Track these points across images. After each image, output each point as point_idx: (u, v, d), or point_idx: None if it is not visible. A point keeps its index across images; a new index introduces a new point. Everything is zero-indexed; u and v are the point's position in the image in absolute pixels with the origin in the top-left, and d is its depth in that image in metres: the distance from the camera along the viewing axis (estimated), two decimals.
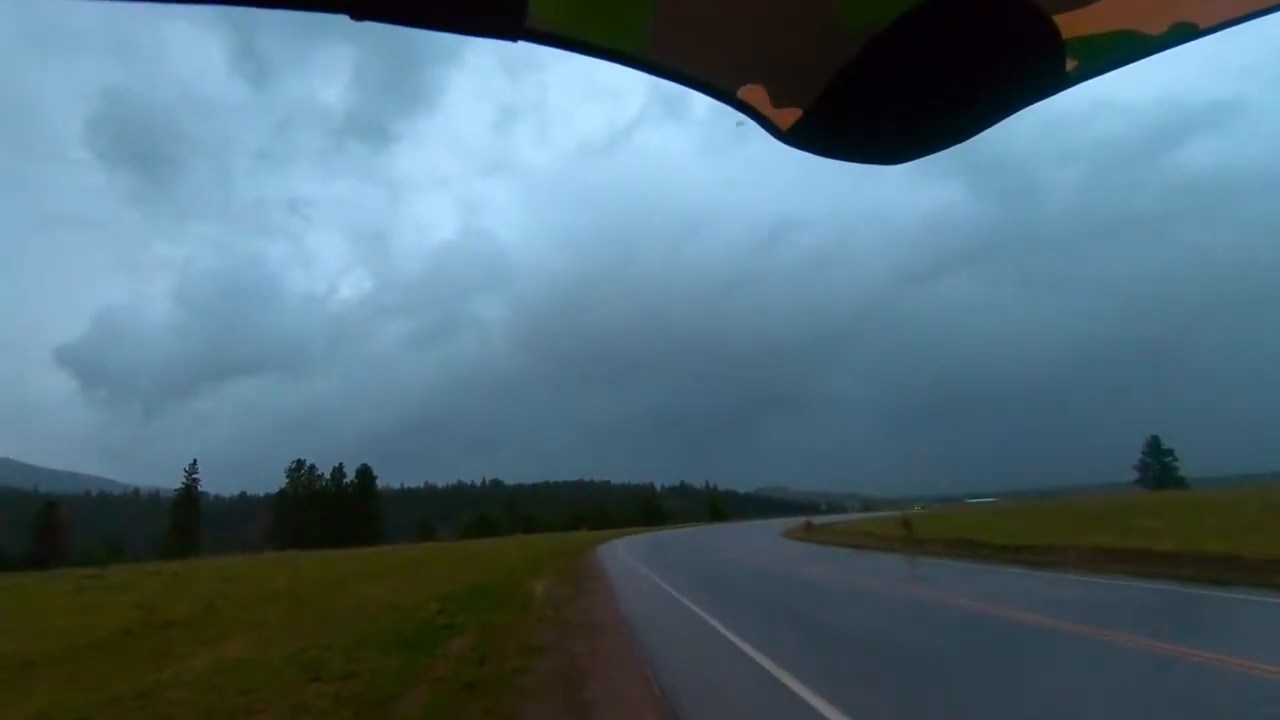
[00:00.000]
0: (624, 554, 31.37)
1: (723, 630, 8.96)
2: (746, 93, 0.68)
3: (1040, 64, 0.65)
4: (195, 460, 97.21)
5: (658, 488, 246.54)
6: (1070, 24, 0.61)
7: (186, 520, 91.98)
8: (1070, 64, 0.65)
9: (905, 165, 0.77)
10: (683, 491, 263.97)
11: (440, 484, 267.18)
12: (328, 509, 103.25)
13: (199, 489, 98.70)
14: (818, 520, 51.58)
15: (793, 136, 0.72)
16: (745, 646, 7.78)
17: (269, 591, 21.26)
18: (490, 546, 48.63)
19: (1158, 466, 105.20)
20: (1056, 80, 0.67)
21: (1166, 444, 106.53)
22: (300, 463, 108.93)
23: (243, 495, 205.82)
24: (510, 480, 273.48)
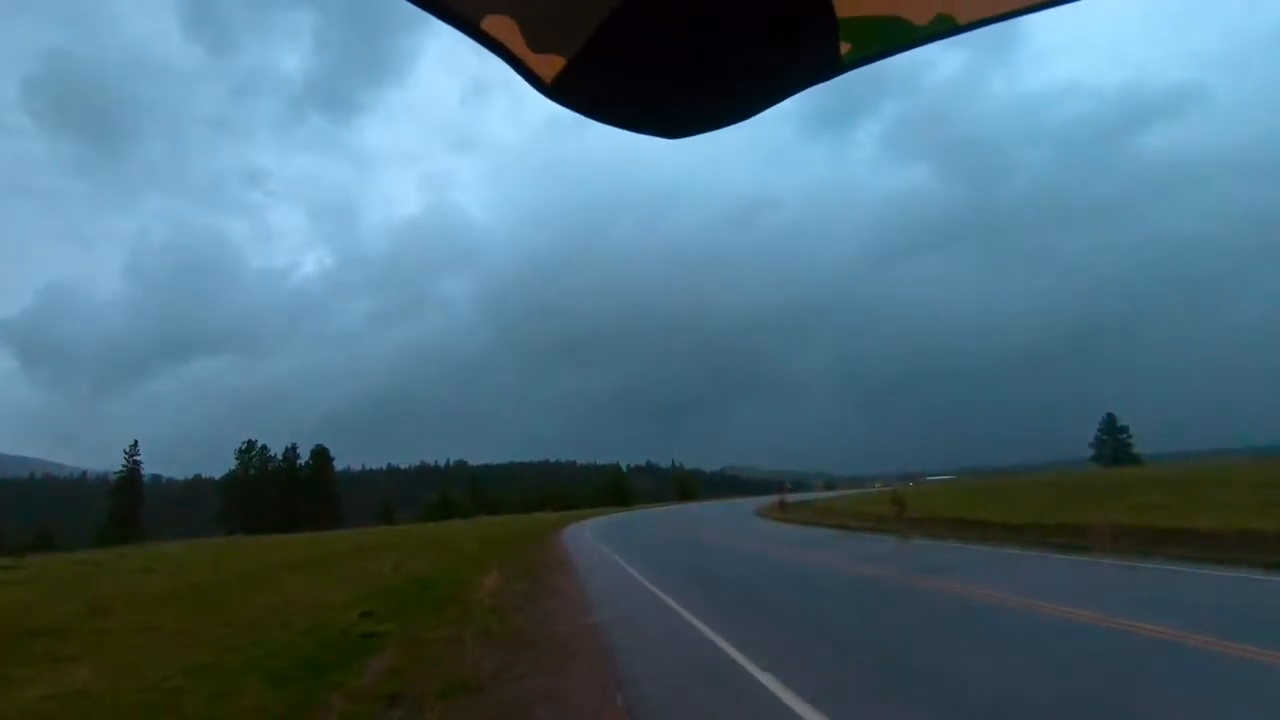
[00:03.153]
0: (592, 538, 28.96)
1: (734, 654, 6.47)
2: (494, 25, 0.57)
3: (816, 41, 0.63)
4: (136, 441, 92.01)
5: (624, 468, 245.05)
6: (844, 3, 0.60)
7: (127, 505, 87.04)
8: (845, 47, 0.64)
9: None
10: (649, 471, 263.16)
11: (404, 465, 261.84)
12: (280, 491, 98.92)
13: (145, 472, 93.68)
14: (790, 499, 50.05)
15: (555, 89, 0.64)
16: (768, 681, 5.50)
17: (181, 587, 18.51)
18: (448, 530, 46.00)
19: (1113, 444, 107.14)
20: (831, 64, 0.65)
21: (1121, 422, 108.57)
22: (250, 443, 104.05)
23: (197, 478, 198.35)
24: (475, 461, 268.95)
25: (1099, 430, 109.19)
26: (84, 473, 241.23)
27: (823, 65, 0.65)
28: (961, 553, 14.41)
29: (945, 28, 0.62)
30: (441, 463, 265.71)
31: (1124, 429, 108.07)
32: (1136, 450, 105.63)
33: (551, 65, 0.62)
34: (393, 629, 9.79)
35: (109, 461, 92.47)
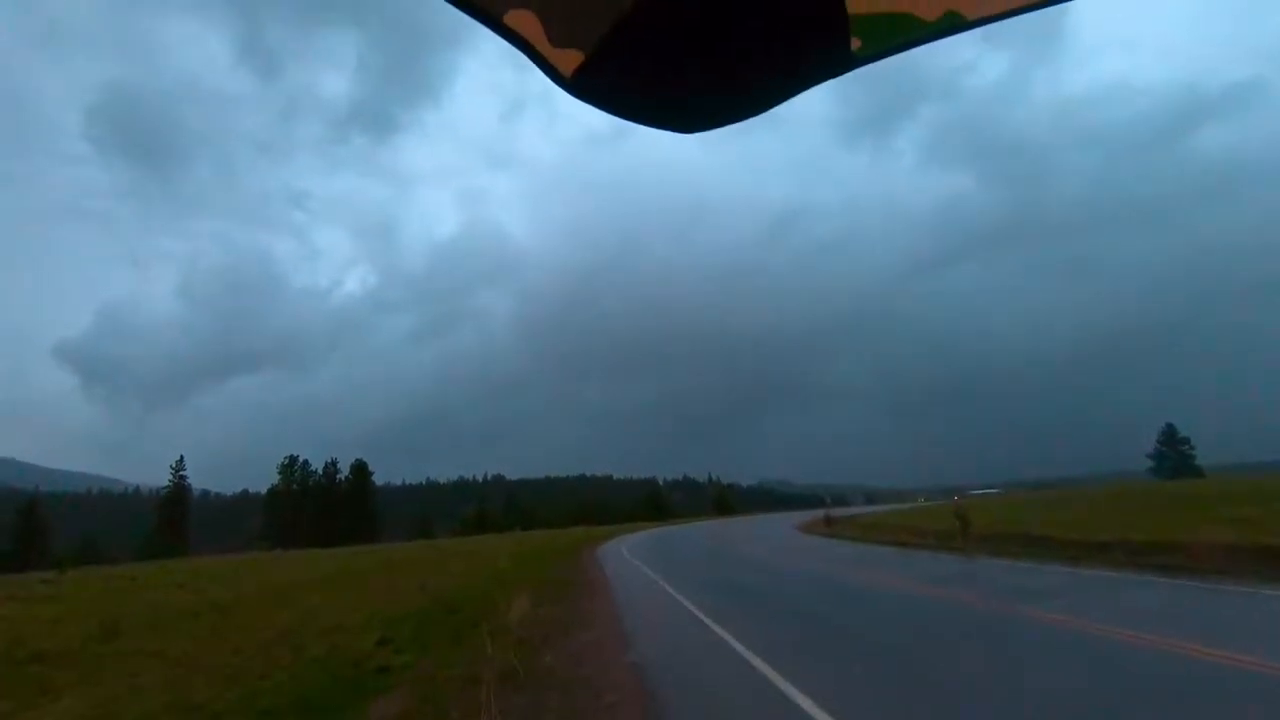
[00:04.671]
0: (629, 555, 27.59)
1: (814, 712, 5.26)
2: (516, 19, 0.60)
3: (827, 37, 0.64)
4: (182, 457, 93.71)
5: (660, 482, 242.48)
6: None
7: (174, 519, 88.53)
8: (856, 43, 0.65)
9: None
10: (686, 485, 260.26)
11: (442, 479, 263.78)
12: (320, 506, 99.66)
13: (194, 487, 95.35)
14: (835, 514, 47.97)
15: (576, 84, 0.65)
16: None
17: (203, 605, 17.78)
18: (482, 545, 45.12)
19: (1174, 455, 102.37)
20: (842, 59, 0.66)
21: (1182, 432, 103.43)
22: (293, 459, 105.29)
23: (244, 493, 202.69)
24: (512, 475, 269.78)
25: (1158, 441, 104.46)
26: (137, 487, 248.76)
27: (835, 61, 0.66)
28: (1048, 575, 12.75)
29: (954, 24, 0.63)
30: (479, 477, 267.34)
31: (1185, 440, 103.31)
32: (1199, 462, 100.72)
33: (571, 60, 0.63)
34: (409, 661, 8.70)
35: (161, 476, 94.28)
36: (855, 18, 0.62)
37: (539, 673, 6.95)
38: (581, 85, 0.65)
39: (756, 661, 7.00)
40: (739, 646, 7.85)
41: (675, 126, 0.71)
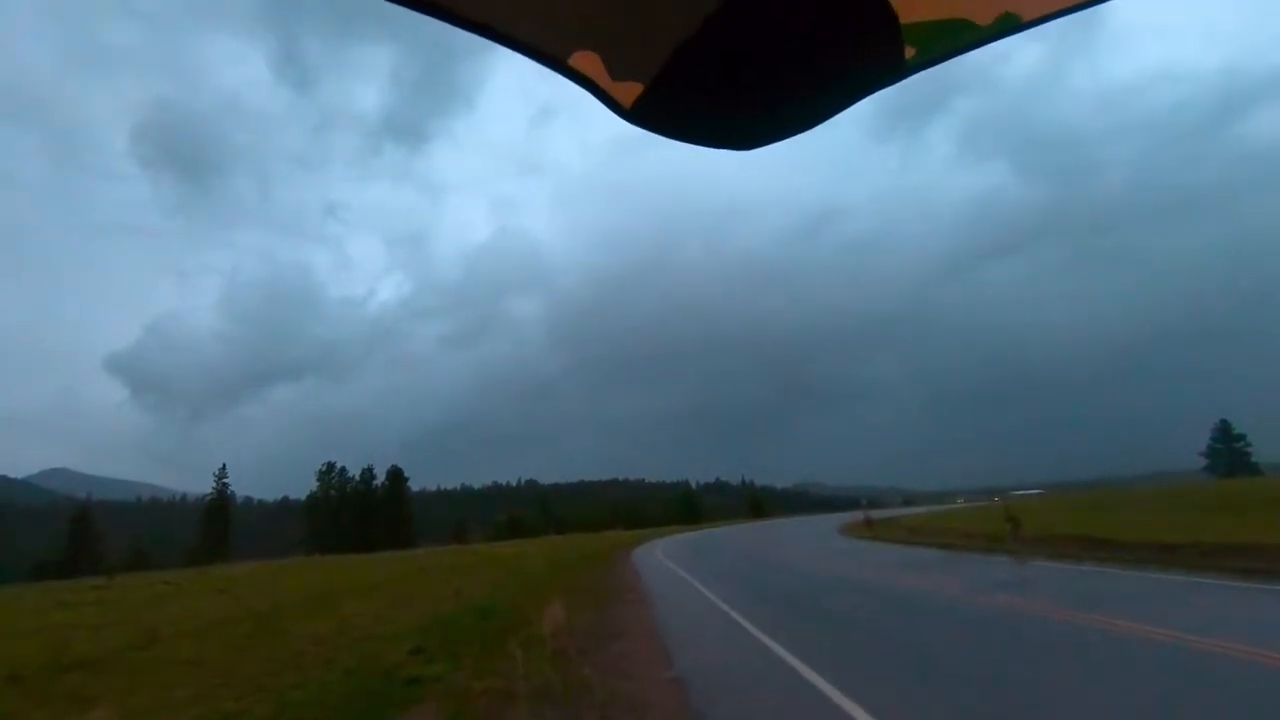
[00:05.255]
0: (665, 560, 27.05)
1: None
2: (580, 61, 0.62)
3: (880, 48, 0.64)
4: (224, 465, 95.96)
5: (693, 485, 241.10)
6: (907, 9, 0.62)
7: (216, 526, 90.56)
8: (909, 52, 0.65)
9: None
10: (719, 488, 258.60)
11: (476, 485, 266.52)
12: (358, 512, 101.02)
13: (236, 494, 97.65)
14: (875, 516, 46.80)
15: (635, 113, 0.68)
16: None
17: (241, 612, 17.81)
18: (516, 551, 45.03)
19: (1229, 453, 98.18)
20: (896, 68, 0.66)
21: (1237, 428, 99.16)
22: (330, 465, 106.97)
23: (285, 500, 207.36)
24: (545, 480, 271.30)
25: (1212, 438, 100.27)
26: (184, 495, 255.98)
27: (887, 70, 0.66)
28: (1115, 579, 11.97)
29: (1010, 25, 0.62)
30: (513, 482, 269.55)
31: (1240, 436, 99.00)
32: (1255, 459, 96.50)
33: (631, 91, 0.65)
34: (441, 672, 8.39)
35: (207, 484, 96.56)
36: (908, 26, 0.62)
37: (576, 688, 6.53)
38: (641, 114, 0.67)
39: (808, 673, 6.48)
40: (788, 657, 7.32)
41: (733, 145, 0.72)
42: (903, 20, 0.61)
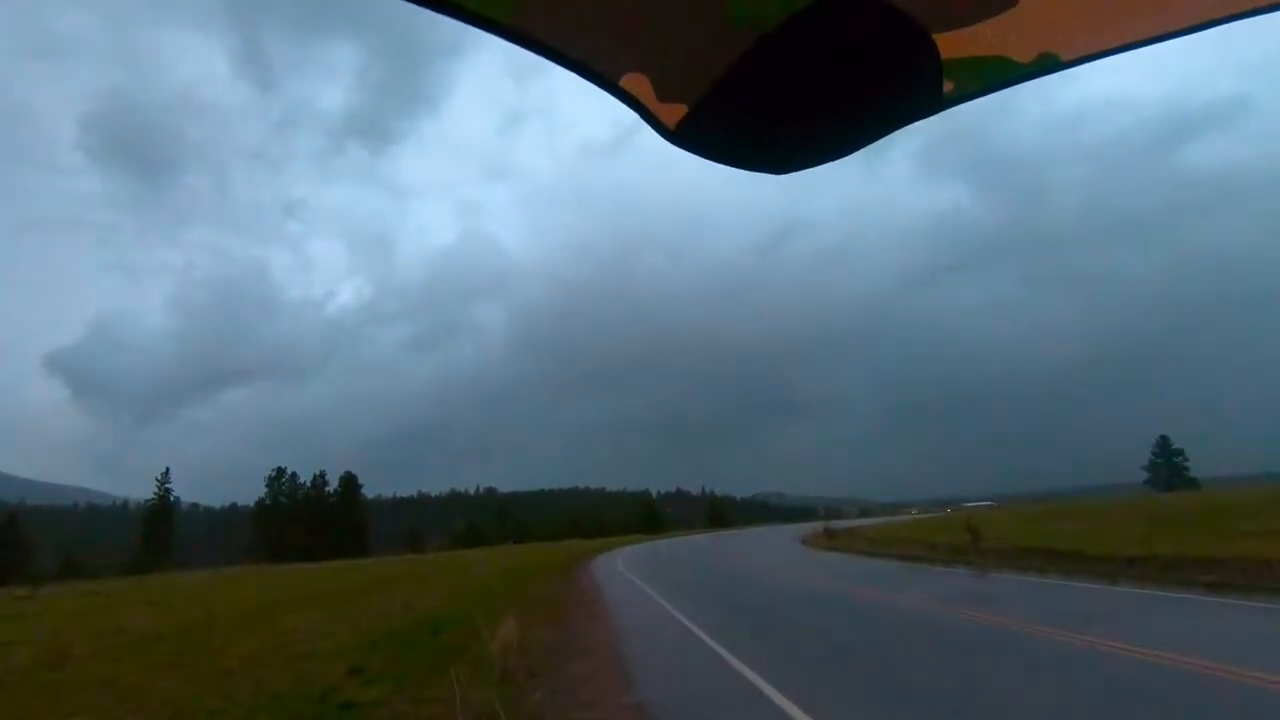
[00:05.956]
0: (626, 570, 26.39)
1: None
2: (630, 82, 0.64)
3: (920, 81, 0.66)
4: (167, 469, 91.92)
5: (654, 494, 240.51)
6: (949, 45, 0.63)
7: (158, 533, 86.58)
8: (948, 85, 0.66)
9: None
10: (679, 498, 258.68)
11: (434, 492, 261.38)
12: (309, 520, 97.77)
13: (181, 499, 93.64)
14: (835, 526, 46.91)
15: (678, 134, 0.69)
16: None
17: (169, 627, 16.59)
18: (473, 559, 43.80)
19: (1168, 467, 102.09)
20: (934, 100, 0.68)
21: (1175, 444, 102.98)
22: (280, 471, 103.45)
23: (232, 506, 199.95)
24: (505, 488, 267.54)
25: (1153, 453, 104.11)
26: (125, 500, 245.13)
27: (925, 103, 0.68)
28: (1081, 593, 11.79)
29: (1049, 64, 0.64)
30: (472, 490, 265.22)
31: (1179, 451, 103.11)
32: (1193, 474, 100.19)
33: (675, 113, 0.66)
34: (379, 695, 7.64)
35: (149, 490, 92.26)
36: (949, 61, 0.63)
37: (524, 717, 5.88)
38: (684, 135, 0.68)
39: (780, 699, 5.96)
40: (754, 678, 6.79)
41: (770, 169, 0.73)
42: (945, 56, 0.62)
